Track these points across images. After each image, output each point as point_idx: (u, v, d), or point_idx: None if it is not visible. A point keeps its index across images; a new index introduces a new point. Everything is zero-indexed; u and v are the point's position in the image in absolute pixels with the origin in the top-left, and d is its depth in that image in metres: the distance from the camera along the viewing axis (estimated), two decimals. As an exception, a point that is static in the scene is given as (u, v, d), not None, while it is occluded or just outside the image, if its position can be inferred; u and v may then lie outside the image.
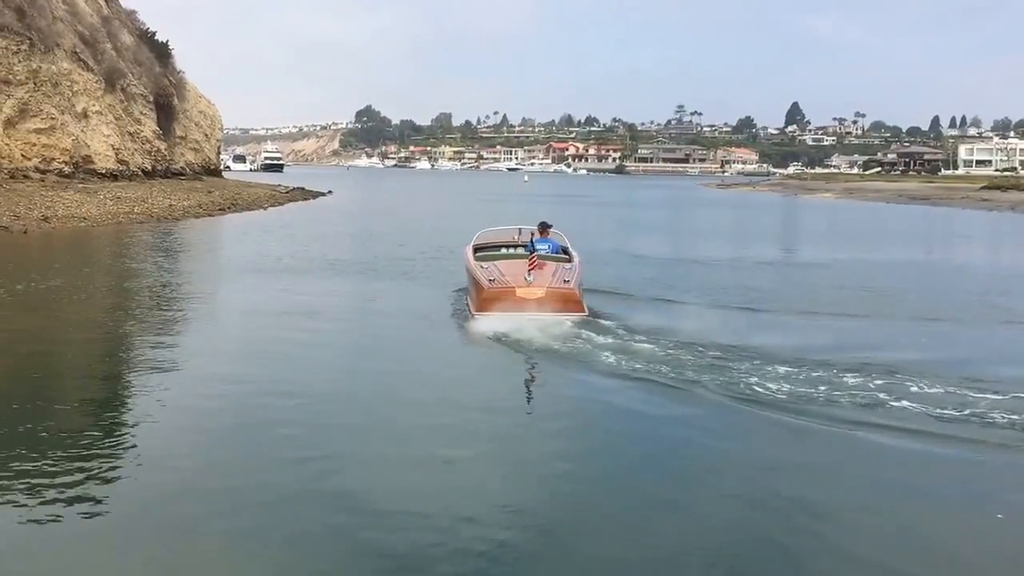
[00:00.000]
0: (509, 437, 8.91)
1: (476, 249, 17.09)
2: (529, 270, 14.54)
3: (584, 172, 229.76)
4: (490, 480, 7.67)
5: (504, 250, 17.43)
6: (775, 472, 7.96)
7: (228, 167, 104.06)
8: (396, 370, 11.59)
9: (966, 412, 9.51)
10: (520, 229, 18.44)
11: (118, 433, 8.58)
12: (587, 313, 14.47)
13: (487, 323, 13.78)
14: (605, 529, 6.66)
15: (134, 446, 8.16)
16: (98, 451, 7.98)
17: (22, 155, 39.65)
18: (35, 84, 40.85)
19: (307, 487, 7.25)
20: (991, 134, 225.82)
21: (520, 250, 16.78)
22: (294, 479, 7.42)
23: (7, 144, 38.76)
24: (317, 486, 7.29)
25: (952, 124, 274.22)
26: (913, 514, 7.15)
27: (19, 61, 40.02)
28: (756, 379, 10.62)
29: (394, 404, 9.95)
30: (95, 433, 8.51)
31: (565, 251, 17.17)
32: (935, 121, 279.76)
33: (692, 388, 10.38)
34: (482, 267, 15.53)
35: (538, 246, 16.17)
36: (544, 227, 17.43)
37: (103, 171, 45.15)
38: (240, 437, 8.60)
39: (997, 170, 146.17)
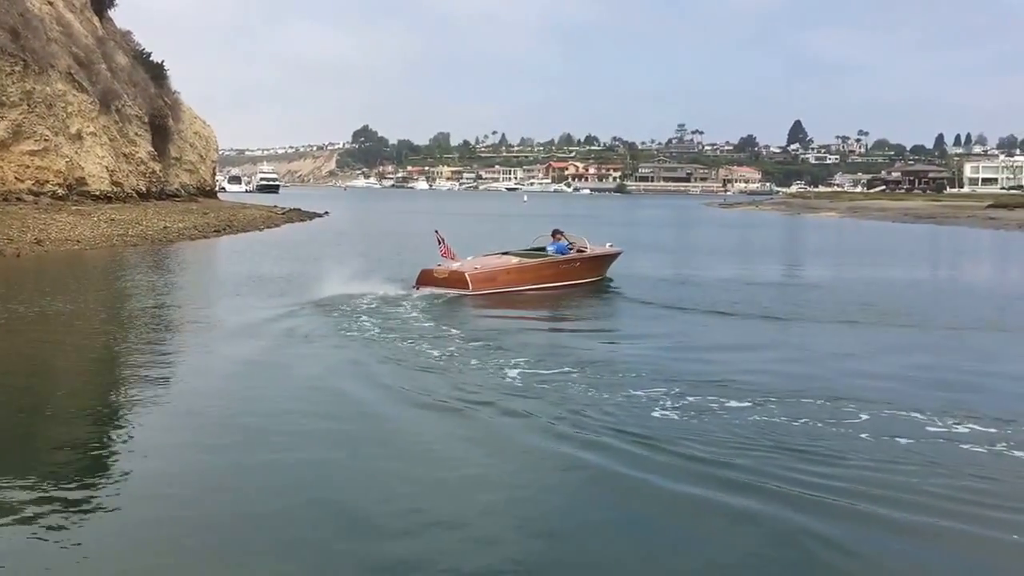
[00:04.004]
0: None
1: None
2: (446, 257, 20.87)
3: (587, 191, 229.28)
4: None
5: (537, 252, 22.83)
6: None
7: (223, 188, 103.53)
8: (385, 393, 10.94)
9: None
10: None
11: (111, 457, 8.38)
12: (470, 290, 19.49)
13: (416, 292, 19.31)
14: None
15: (127, 472, 7.90)
16: (91, 476, 7.79)
17: (15, 177, 38.97)
18: (29, 106, 40.18)
19: (299, 512, 6.99)
20: (997, 152, 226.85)
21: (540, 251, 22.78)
22: (287, 504, 7.17)
23: (0, 167, 38.07)
24: (309, 510, 7.02)
25: (957, 142, 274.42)
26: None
27: (13, 83, 39.31)
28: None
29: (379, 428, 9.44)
30: (88, 457, 8.36)
31: (579, 250, 22.84)
32: (939, 139, 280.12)
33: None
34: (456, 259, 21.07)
35: (548, 248, 22.62)
36: (555, 233, 23.19)
37: (97, 193, 44.47)
38: (234, 462, 8.25)
39: (1003, 188, 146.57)
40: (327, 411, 9.92)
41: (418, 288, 19.76)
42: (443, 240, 21.31)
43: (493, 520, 6.87)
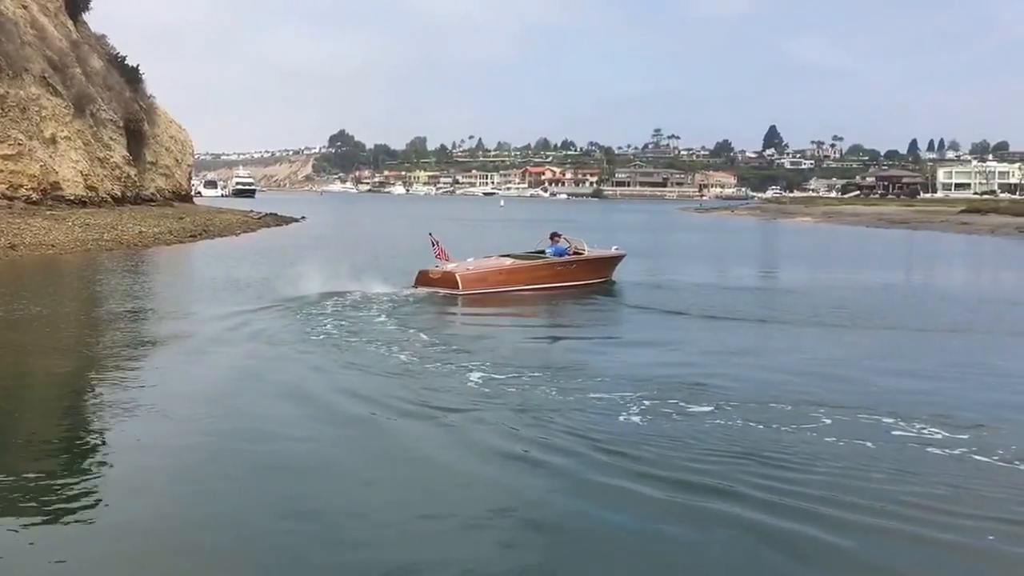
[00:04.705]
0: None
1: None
2: (441, 259, 21.65)
3: (564, 196, 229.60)
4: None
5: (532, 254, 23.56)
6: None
7: (199, 193, 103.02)
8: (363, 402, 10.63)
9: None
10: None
11: (84, 469, 8.22)
12: (460, 290, 20.36)
13: (415, 291, 20.45)
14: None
15: (96, 488, 7.67)
16: (63, 488, 7.59)
17: (-12, 182, 38.67)
18: (3, 109, 40.04)
19: (276, 528, 6.88)
20: (969, 157, 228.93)
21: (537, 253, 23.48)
22: (263, 518, 7.08)
23: (-27, 171, 37.84)
24: (288, 528, 6.86)
25: (930, 147, 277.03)
26: None
27: (-14, 86, 39.09)
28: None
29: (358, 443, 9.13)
30: (61, 469, 8.17)
31: (577, 251, 23.46)
32: (913, 144, 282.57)
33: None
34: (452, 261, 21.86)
35: (547, 250, 23.32)
36: (553, 235, 23.78)
37: (72, 197, 44.12)
38: (208, 476, 8.08)
39: (976, 193, 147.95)
40: (291, 423, 9.69)
41: (416, 287, 20.82)
42: (437, 242, 22.08)
43: (449, 542, 6.67)
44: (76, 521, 6.88)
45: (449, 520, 7.01)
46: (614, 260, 25.03)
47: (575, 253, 23.49)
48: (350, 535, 6.76)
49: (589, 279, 23.33)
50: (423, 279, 21.10)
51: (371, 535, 6.76)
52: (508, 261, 22.42)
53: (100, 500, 7.36)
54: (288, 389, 11.22)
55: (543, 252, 23.50)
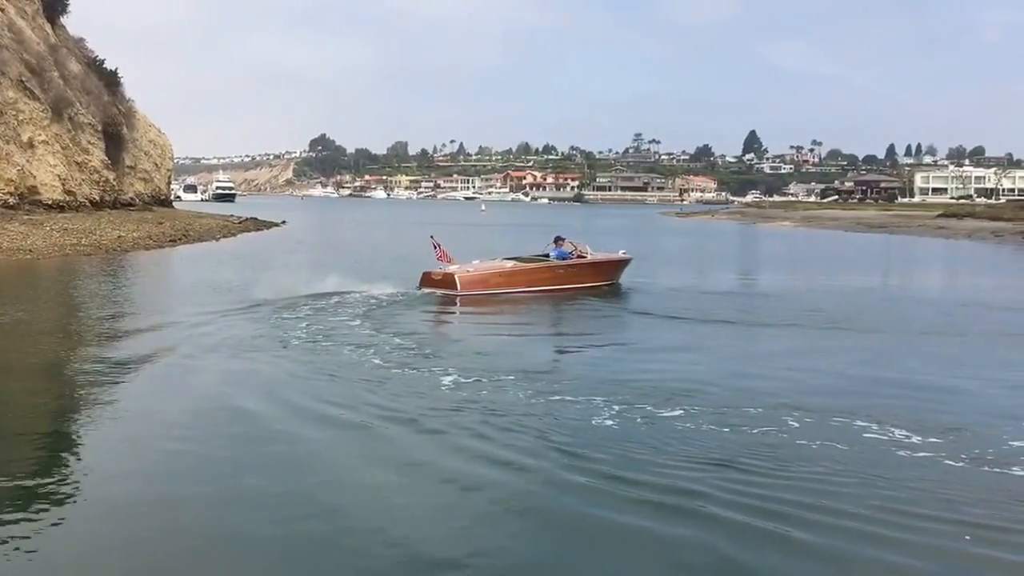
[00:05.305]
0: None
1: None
2: (443, 261, 22.21)
3: (545, 201, 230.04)
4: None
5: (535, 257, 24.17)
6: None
7: (179, 197, 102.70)
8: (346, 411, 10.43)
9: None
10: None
11: (60, 478, 8.10)
12: (459, 291, 20.91)
13: (421, 291, 21.17)
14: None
15: (72, 496, 7.65)
16: (39, 500, 7.47)
17: (-35, 187, 38.40)
18: (-21, 114, 39.66)
19: (240, 551, 6.75)
20: (946, 162, 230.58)
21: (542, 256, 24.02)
22: (239, 526, 7.05)
23: (-51, 176, 37.55)
24: (254, 550, 6.74)
25: (908, 152, 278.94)
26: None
27: (-38, 91, 38.81)
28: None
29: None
30: (36, 478, 8.05)
31: (580, 255, 23.80)
32: (891, 149, 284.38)
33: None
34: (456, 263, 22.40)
35: (550, 254, 23.74)
36: (557, 239, 24.19)
37: (49, 202, 43.82)
38: (186, 483, 7.98)
39: (953, 198, 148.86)
40: (263, 434, 9.53)
41: (420, 289, 21.50)
42: (439, 245, 22.57)
43: (414, 554, 6.56)
44: (36, 550, 6.63)
45: (406, 548, 6.74)
46: (619, 264, 25.28)
47: (579, 257, 23.85)
48: (321, 560, 6.59)
49: (592, 282, 23.60)
50: (426, 280, 21.67)
51: (340, 561, 6.57)
52: (510, 264, 22.82)
53: (68, 524, 7.11)
54: (253, 401, 10.96)
55: (547, 256, 23.93)
